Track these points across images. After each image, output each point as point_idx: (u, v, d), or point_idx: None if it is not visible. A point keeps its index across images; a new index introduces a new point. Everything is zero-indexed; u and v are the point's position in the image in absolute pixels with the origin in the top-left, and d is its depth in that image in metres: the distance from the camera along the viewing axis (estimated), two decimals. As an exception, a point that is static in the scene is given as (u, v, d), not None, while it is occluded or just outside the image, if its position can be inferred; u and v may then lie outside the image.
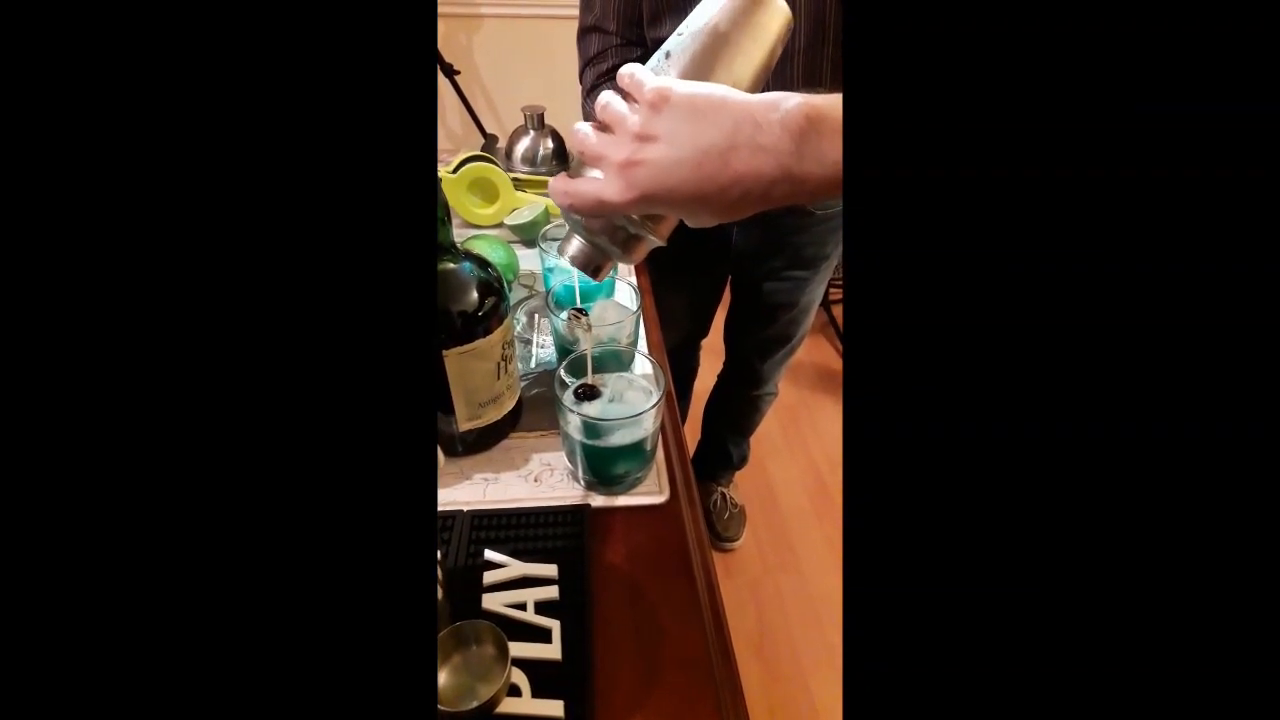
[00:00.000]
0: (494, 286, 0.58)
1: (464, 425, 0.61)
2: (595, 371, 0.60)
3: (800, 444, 1.86)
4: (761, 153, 0.35)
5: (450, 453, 0.64)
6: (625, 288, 0.76)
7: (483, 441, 0.65)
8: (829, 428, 1.91)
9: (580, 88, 0.95)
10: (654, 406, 0.57)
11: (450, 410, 0.60)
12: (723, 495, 1.60)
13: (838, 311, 2.26)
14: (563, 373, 0.59)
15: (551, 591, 0.52)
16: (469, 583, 0.53)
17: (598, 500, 0.60)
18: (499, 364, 0.60)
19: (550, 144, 1.15)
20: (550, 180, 0.41)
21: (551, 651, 0.48)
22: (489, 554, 0.55)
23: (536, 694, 0.46)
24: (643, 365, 0.65)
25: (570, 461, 0.62)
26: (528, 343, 0.81)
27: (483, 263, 0.59)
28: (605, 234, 0.43)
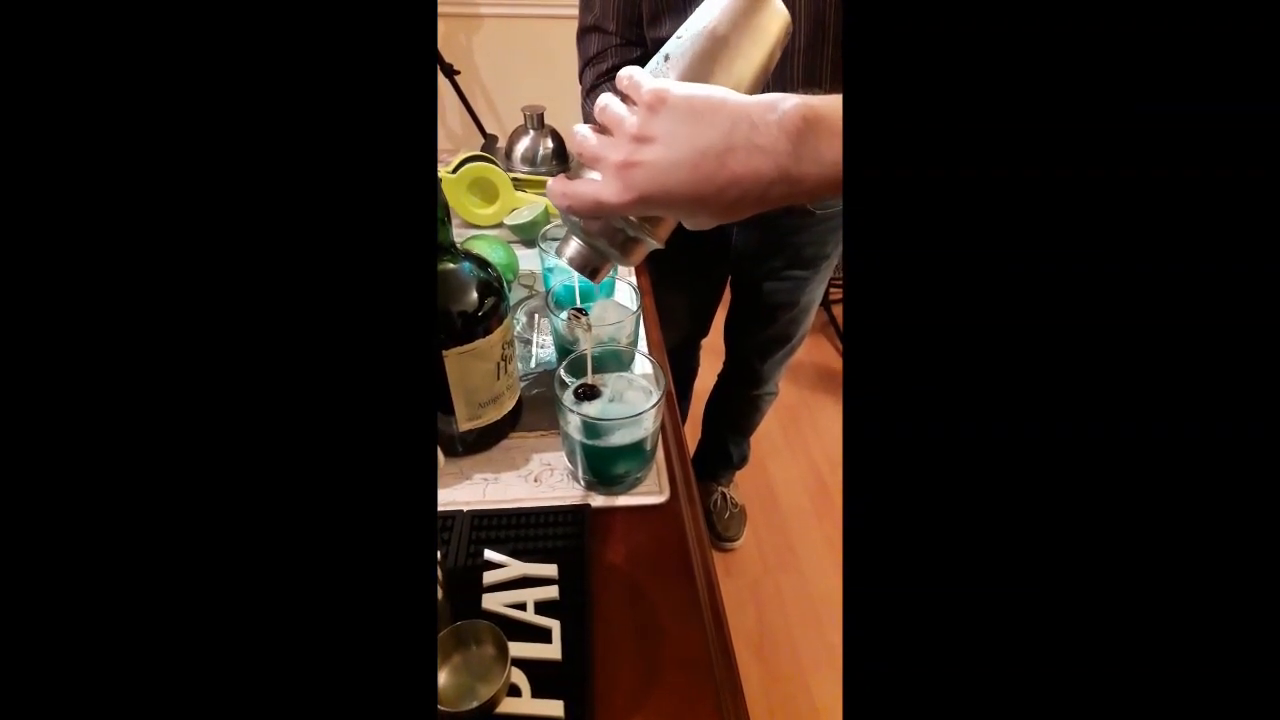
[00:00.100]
0: (494, 286, 0.58)
1: (464, 425, 0.61)
2: (595, 371, 0.60)
3: (800, 444, 1.86)
4: (758, 153, 0.35)
5: (450, 453, 0.64)
6: (625, 288, 0.76)
7: (483, 441, 0.65)
8: (829, 427, 1.91)
9: (580, 88, 0.95)
10: (654, 406, 0.57)
11: (450, 410, 0.60)
12: (723, 495, 1.60)
13: (838, 311, 2.26)
14: (563, 373, 0.59)
15: (551, 591, 0.52)
16: (469, 583, 0.53)
17: (598, 500, 0.60)
18: (499, 364, 0.60)
19: (550, 144, 1.15)
20: (548, 181, 0.41)
21: (551, 651, 0.48)
22: (489, 554, 0.54)
23: (536, 694, 0.46)
24: (643, 365, 0.65)
25: (570, 461, 0.62)
26: (528, 343, 0.81)
27: (482, 263, 0.59)
28: (603, 236, 0.43)
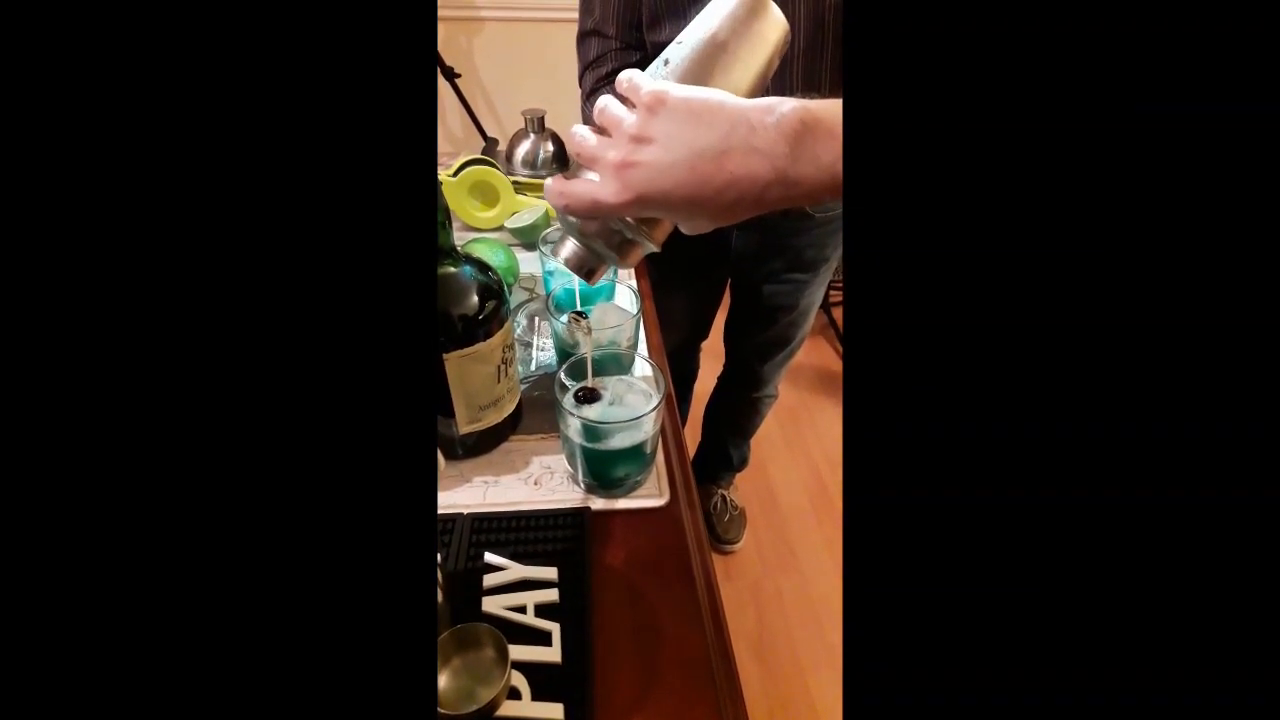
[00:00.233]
0: (494, 290, 0.58)
1: (464, 428, 0.61)
2: (595, 374, 0.60)
3: (800, 446, 1.86)
4: (756, 155, 0.35)
5: (450, 456, 0.64)
6: (625, 291, 0.76)
7: (483, 444, 0.65)
8: (829, 429, 1.91)
9: (580, 91, 0.95)
10: (654, 409, 0.57)
11: (450, 413, 0.60)
12: (723, 498, 1.60)
13: (838, 313, 2.26)
14: (563, 376, 0.59)
15: (551, 594, 0.52)
16: (469, 586, 0.53)
17: (598, 503, 0.60)
18: (499, 367, 0.60)
19: (551, 147, 1.15)
20: (546, 181, 0.41)
21: (551, 654, 0.48)
22: (489, 557, 0.54)
23: (536, 697, 0.46)
24: (643, 368, 0.65)
25: (570, 464, 0.62)
26: (528, 346, 0.81)
27: (483, 266, 0.59)
28: (600, 237, 0.43)
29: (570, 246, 0.45)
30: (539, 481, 0.63)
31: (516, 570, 0.53)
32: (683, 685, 0.48)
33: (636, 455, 0.59)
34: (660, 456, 0.64)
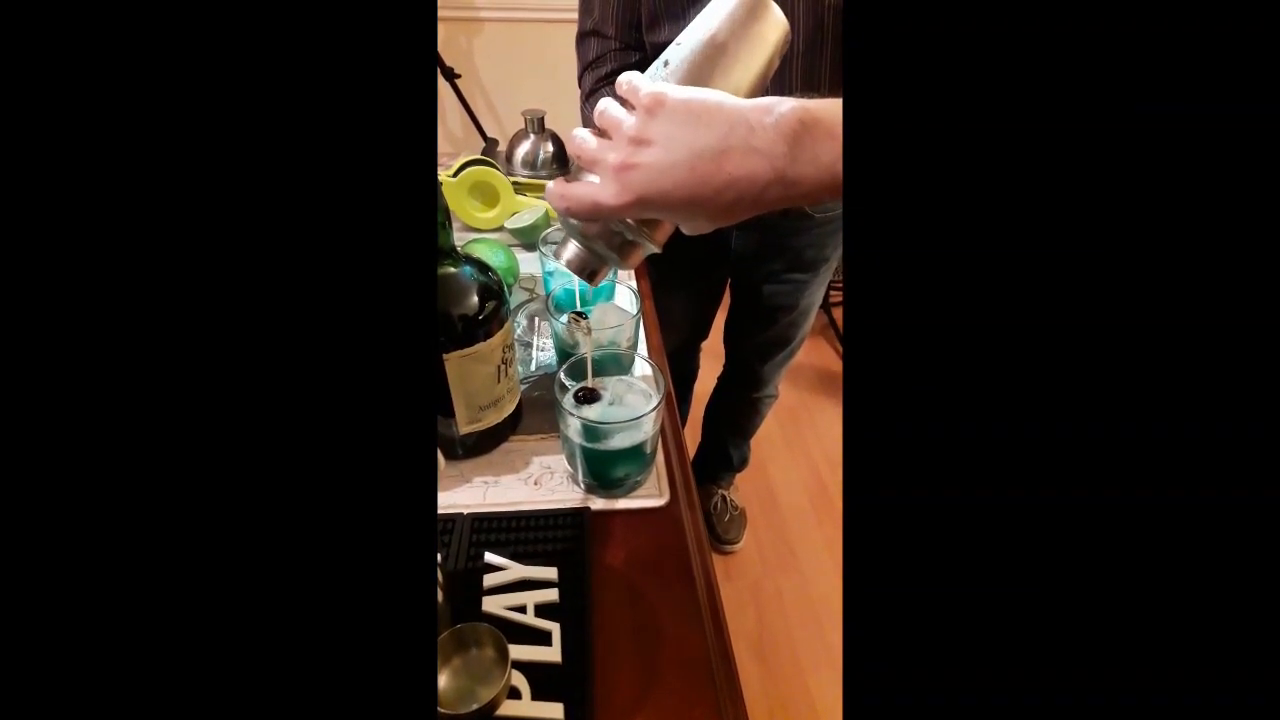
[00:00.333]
0: (494, 290, 0.58)
1: (464, 428, 0.61)
2: (595, 375, 0.60)
3: (800, 446, 1.86)
4: (755, 155, 0.35)
5: (450, 456, 0.64)
6: (625, 291, 0.76)
7: (483, 445, 0.65)
8: (829, 429, 1.91)
9: (579, 92, 0.95)
10: (654, 409, 0.57)
11: (450, 413, 0.60)
12: (723, 498, 1.60)
13: (838, 314, 2.26)
14: (563, 376, 0.59)
15: (551, 594, 0.52)
16: (469, 585, 0.53)
17: (598, 503, 0.60)
18: (499, 367, 0.60)
19: (550, 148, 1.15)
20: (548, 184, 0.41)
21: (551, 654, 0.48)
22: (489, 557, 0.55)
23: (536, 696, 0.46)
24: (642, 368, 0.65)
25: (570, 464, 0.62)
26: (528, 346, 0.81)
27: (483, 266, 0.59)
28: (601, 238, 0.43)
29: (572, 248, 0.45)
30: (539, 481, 0.63)
31: (516, 570, 0.53)
32: (683, 685, 0.48)
33: (636, 455, 0.59)
34: (660, 456, 0.64)
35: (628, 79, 0.39)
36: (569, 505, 0.60)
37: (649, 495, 0.61)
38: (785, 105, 0.35)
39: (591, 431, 0.57)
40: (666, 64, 0.41)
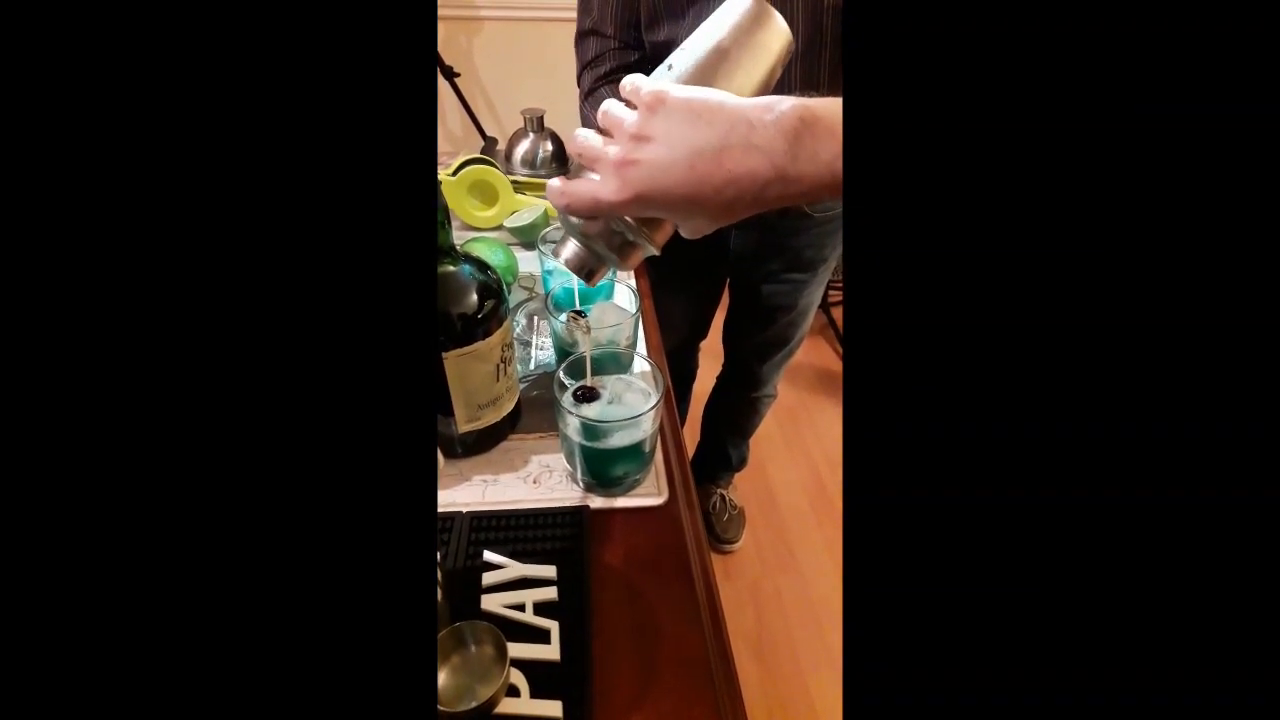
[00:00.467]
0: (493, 289, 0.58)
1: (463, 427, 0.61)
2: (594, 373, 0.60)
3: (800, 446, 1.86)
4: (755, 152, 0.35)
5: (450, 454, 0.64)
6: (624, 290, 0.76)
7: (482, 443, 0.65)
8: (829, 429, 1.91)
9: (578, 91, 0.95)
10: (653, 408, 0.57)
11: (450, 412, 0.60)
12: (722, 497, 1.60)
13: (837, 313, 2.26)
14: (562, 375, 0.59)
15: (550, 593, 0.52)
16: (468, 584, 0.53)
17: (596, 502, 0.60)
18: (498, 366, 0.60)
19: (550, 147, 1.15)
20: (548, 182, 0.41)
21: (550, 652, 0.48)
22: (488, 555, 0.55)
23: (535, 694, 0.46)
24: (641, 367, 0.65)
25: (569, 463, 0.62)
26: (527, 345, 0.81)
27: (482, 265, 0.59)
28: (601, 238, 0.43)
29: (571, 247, 0.45)
30: (538, 480, 0.63)
31: (515, 568, 0.53)
32: (681, 684, 0.48)
33: (635, 454, 0.59)
34: (659, 456, 0.64)
35: (632, 80, 0.39)
36: (568, 504, 0.60)
37: (648, 494, 0.61)
38: (785, 103, 0.35)
39: (590, 430, 0.57)
40: (671, 68, 0.42)
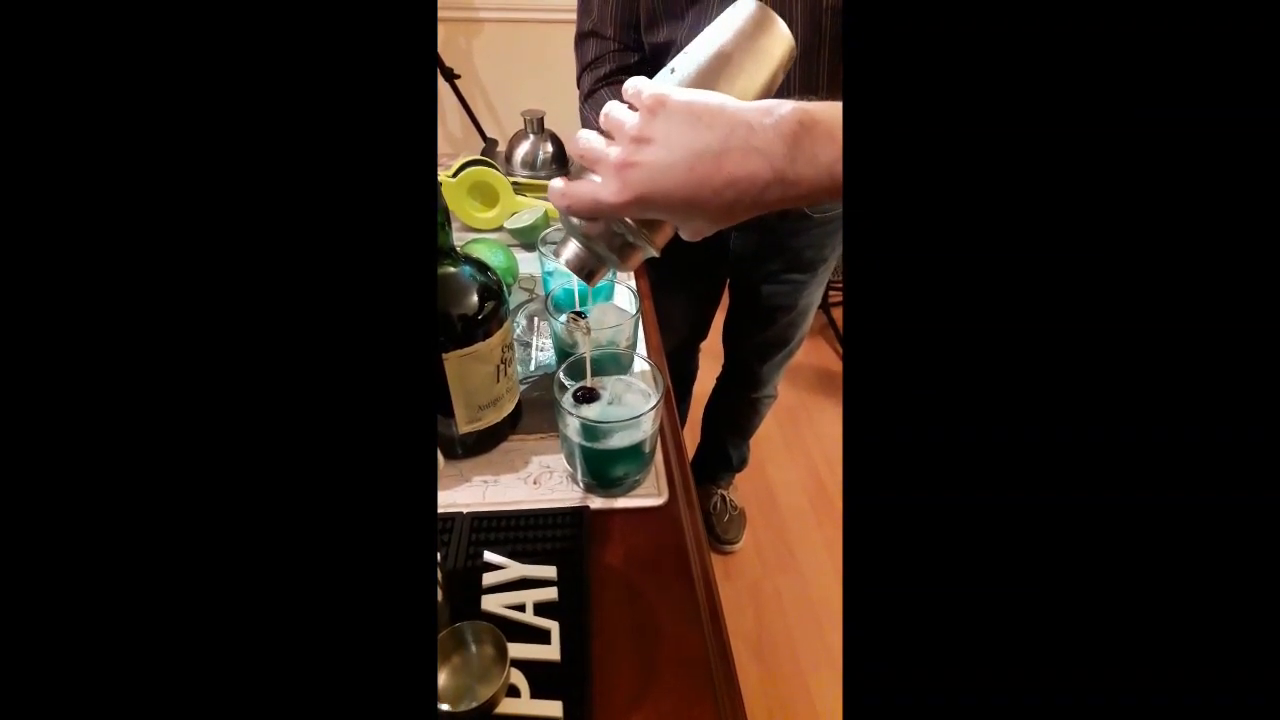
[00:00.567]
0: (493, 290, 0.58)
1: (464, 428, 0.61)
2: (594, 374, 0.60)
3: (800, 446, 1.86)
4: (755, 155, 0.35)
5: (450, 455, 0.64)
6: (624, 291, 0.76)
7: (482, 444, 0.65)
8: (829, 430, 1.91)
9: (578, 92, 0.95)
10: (653, 409, 0.57)
11: (450, 413, 0.60)
12: (722, 498, 1.60)
13: (837, 314, 2.26)
14: (562, 375, 0.59)
15: (550, 593, 0.52)
16: (468, 584, 0.53)
17: (597, 502, 0.60)
18: (498, 367, 0.60)
19: (550, 148, 1.15)
20: (549, 183, 0.41)
21: (550, 652, 0.48)
22: (488, 555, 0.55)
23: (535, 694, 0.46)
24: (641, 368, 0.65)
25: (569, 464, 0.62)
26: (527, 346, 0.81)
27: (482, 266, 0.59)
28: (601, 239, 0.43)
29: (572, 248, 0.45)
30: (538, 481, 0.63)
31: (516, 569, 0.53)
32: (681, 684, 0.48)
33: (635, 454, 0.59)
34: (659, 456, 0.64)
35: (634, 83, 0.40)
36: (568, 504, 0.60)
37: (648, 494, 0.61)
38: (785, 107, 0.35)
39: (590, 431, 0.57)
40: (673, 71, 0.42)
